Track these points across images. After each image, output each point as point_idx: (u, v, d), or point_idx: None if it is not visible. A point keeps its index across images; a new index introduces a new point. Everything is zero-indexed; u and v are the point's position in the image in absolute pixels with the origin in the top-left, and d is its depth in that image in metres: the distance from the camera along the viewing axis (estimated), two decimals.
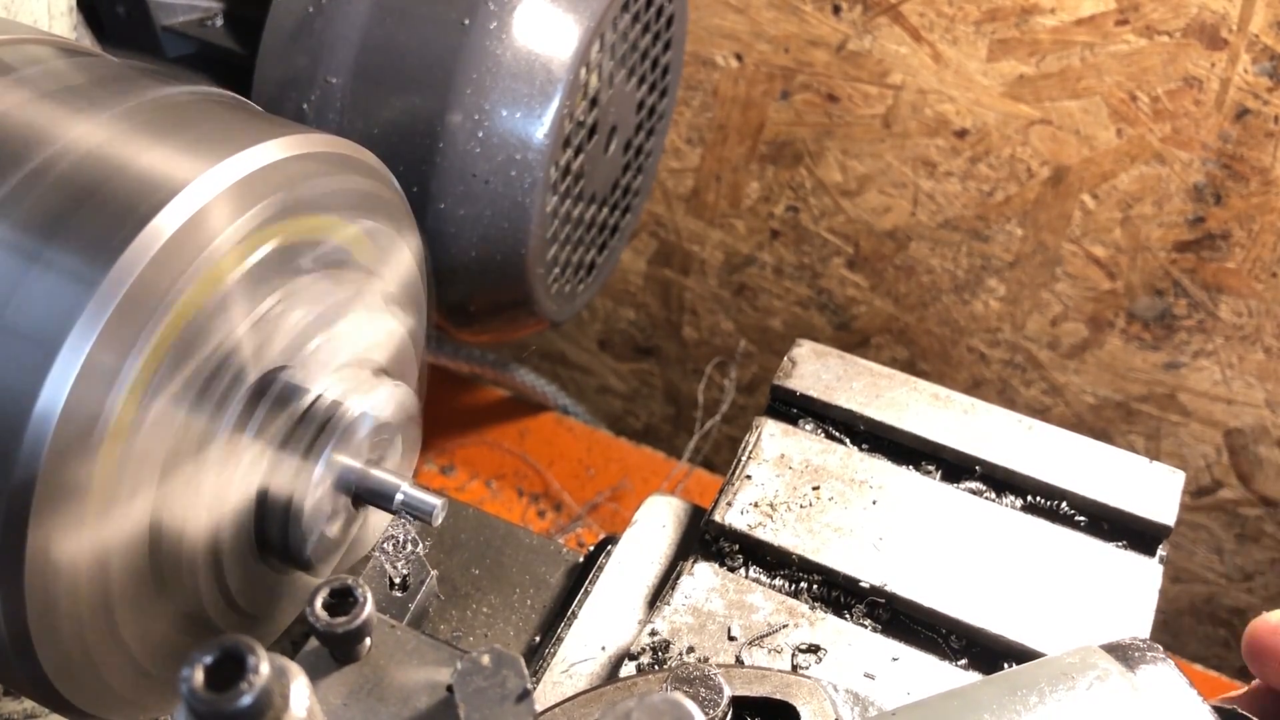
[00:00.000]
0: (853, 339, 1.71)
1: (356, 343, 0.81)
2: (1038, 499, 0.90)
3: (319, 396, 0.77)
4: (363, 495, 0.80)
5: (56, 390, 0.62)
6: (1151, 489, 0.90)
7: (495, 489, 1.49)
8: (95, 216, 0.65)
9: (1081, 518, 0.89)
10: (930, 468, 0.92)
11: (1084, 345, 1.57)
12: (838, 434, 0.95)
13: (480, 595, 0.95)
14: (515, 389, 1.59)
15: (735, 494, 0.89)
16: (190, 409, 0.70)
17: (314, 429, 0.76)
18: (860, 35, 1.46)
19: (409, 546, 0.81)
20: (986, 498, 0.91)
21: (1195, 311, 1.48)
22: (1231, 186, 1.38)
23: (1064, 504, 0.90)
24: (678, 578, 0.85)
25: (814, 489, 0.90)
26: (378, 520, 0.85)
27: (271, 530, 0.77)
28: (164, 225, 0.65)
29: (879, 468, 0.92)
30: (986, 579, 0.84)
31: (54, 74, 0.76)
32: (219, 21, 1.12)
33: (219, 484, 0.73)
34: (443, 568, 0.96)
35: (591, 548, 0.97)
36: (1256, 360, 1.48)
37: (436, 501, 0.80)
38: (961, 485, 0.91)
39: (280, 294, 0.74)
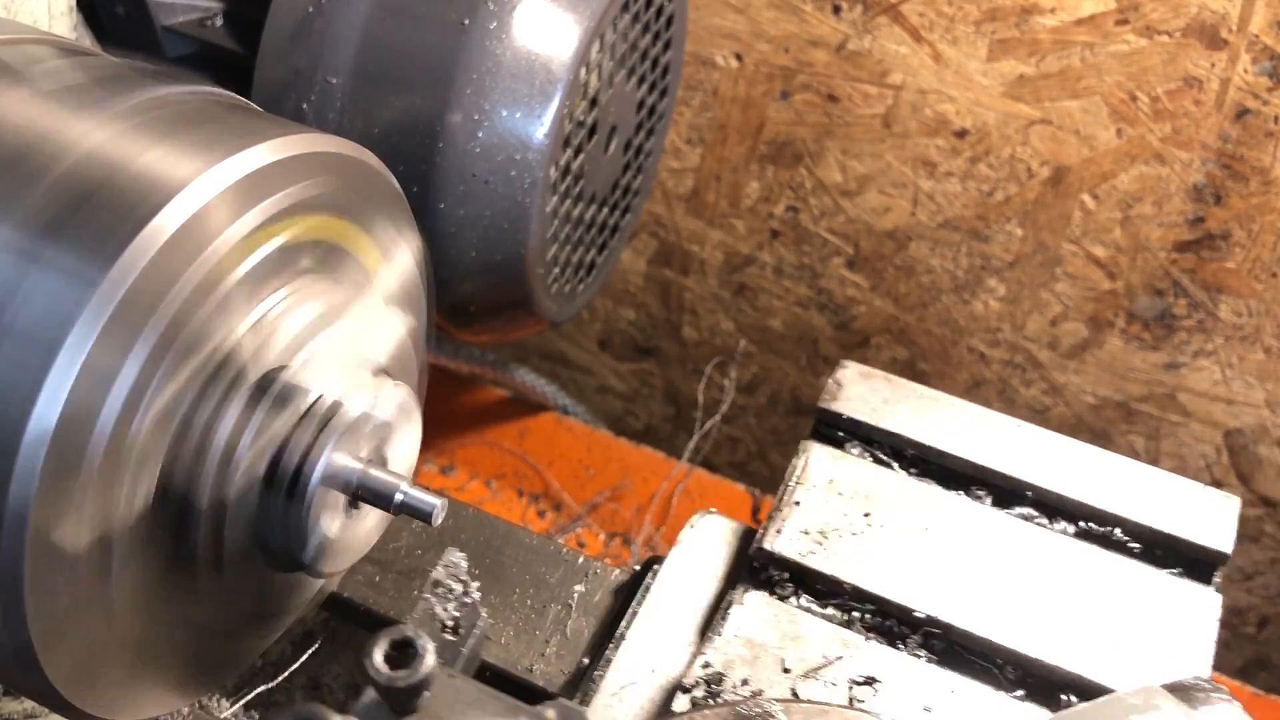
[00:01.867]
0: (853, 339, 1.71)
1: (356, 343, 0.81)
2: (1090, 525, 0.89)
3: (319, 397, 0.77)
4: (362, 495, 0.80)
5: (56, 390, 0.62)
6: (1207, 515, 0.88)
7: (495, 489, 1.49)
8: (95, 216, 0.65)
9: (1135, 544, 0.88)
10: (980, 493, 0.91)
11: (1084, 345, 1.57)
12: (885, 458, 0.93)
13: (481, 596, 0.95)
14: (515, 389, 1.59)
15: (785, 520, 0.88)
16: (190, 409, 0.70)
17: (314, 429, 0.76)
18: (860, 35, 1.46)
19: (460, 588, 0.78)
20: (1038, 523, 0.89)
21: (1195, 311, 1.48)
22: (1231, 186, 1.38)
23: (1117, 530, 0.88)
24: (728, 607, 0.83)
25: (865, 515, 0.88)
26: (378, 520, 0.85)
27: (272, 530, 0.77)
28: (164, 225, 0.65)
29: (929, 493, 0.90)
30: (1040, 608, 0.83)
31: (54, 74, 0.76)
32: (219, 21, 1.12)
33: (219, 484, 0.73)
34: None
35: (638, 567, 0.96)
36: (1256, 360, 1.48)
37: (436, 502, 0.80)
38: (1013, 511, 0.90)
39: (280, 294, 0.74)
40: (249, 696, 0.95)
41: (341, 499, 0.80)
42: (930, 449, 0.93)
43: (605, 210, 1.27)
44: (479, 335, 1.25)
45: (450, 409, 1.57)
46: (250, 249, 0.71)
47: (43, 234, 0.65)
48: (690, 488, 1.49)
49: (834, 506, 0.89)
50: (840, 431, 0.95)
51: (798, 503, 0.89)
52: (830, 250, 1.65)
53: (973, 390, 1.65)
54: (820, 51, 1.49)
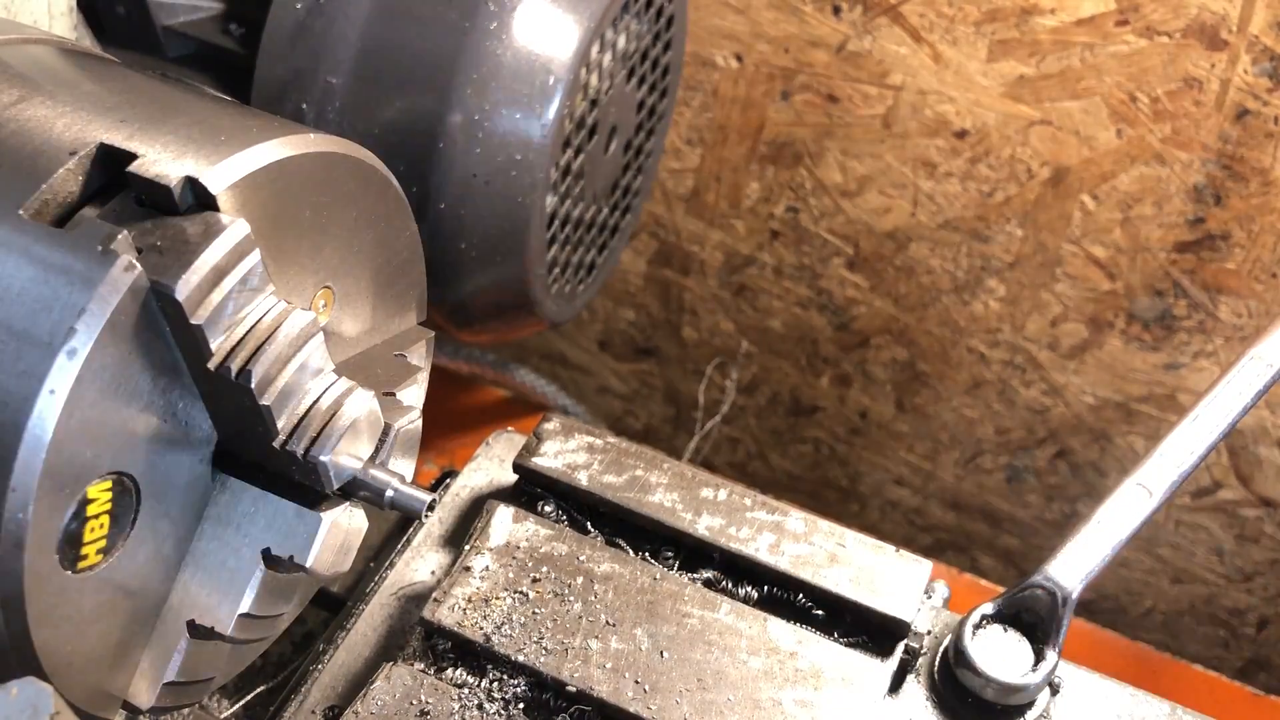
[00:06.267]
0: (852, 339, 1.71)
1: (357, 343, 0.81)
2: (775, 590, 0.86)
3: (319, 397, 0.77)
4: (359, 494, 0.80)
5: (56, 390, 0.62)
6: (894, 581, 0.85)
7: None
8: (95, 216, 0.65)
9: (819, 611, 0.85)
10: (669, 554, 0.88)
11: (1084, 346, 1.57)
12: (580, 517, 0.90)
13: None
14: (515, 389, 1.59)
15: (451, 587, 0.84)
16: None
17: (315, 429, 0.76)
18: (860, 36, 1.46)
19: None
20: (722, 588, 0.86)
21: (1195, 312, 1.48)
22: (1231, 187, 1.38)
23: (801, 596, 0.86)
24: (374, 682, 0.80)
25: (534, 581, 0.84)
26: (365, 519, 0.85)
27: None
28: None
29: (611, 556, 0.87)
30: (708, 683, 0.80)
31: (54, 74, 0.76)
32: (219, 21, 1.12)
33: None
34: None
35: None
36: None
37: (425, 498, 0.80)
38: (699, 574, 0.87)
39: (281, 294, 0.74)
40: (249, 696, 0.95)
41: (341, 499, 0.80)
42: (622, 509, 0.88)
43: (605, 210, 1.27)
44: (479, 335, 1.25)
45: (450, 409, 1.57)
46: (250, 248, 0.71)
47: (43, 234, 0.65)
48: None
49: (506, 572, 0.85)
50: (538, 489, 0.92)
51: (468, 568, 0.85)
52: (830, 251, 1.65)
53: (972, 391, 1.65)
54: (820, 52, 1.49)
